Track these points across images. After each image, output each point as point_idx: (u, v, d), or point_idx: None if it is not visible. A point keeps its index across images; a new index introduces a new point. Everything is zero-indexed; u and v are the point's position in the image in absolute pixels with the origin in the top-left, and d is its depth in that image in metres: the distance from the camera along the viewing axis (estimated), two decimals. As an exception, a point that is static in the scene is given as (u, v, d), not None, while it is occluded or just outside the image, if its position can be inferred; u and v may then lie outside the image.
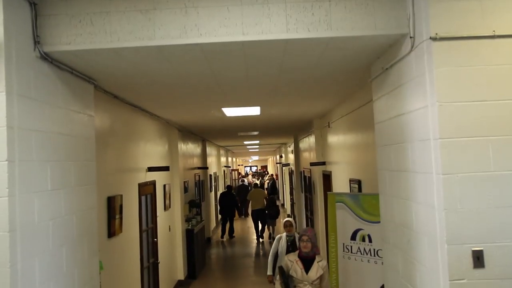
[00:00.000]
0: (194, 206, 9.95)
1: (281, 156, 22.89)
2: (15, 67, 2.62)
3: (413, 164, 2.90)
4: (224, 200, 14.42)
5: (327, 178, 7.68)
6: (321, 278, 4.26)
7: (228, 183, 22.05)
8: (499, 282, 2.45)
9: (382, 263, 4.01)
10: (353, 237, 4.32)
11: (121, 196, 5.04)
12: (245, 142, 17.33)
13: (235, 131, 10.96)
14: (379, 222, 3.99)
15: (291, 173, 17.23)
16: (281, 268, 4.50)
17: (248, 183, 22.12)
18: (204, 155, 13.28)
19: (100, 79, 3.87)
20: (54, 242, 2.99)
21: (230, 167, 26.47)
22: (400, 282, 3.28)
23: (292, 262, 4.35)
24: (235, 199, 14.90)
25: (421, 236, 2.81)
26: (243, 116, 7.36)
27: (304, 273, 4.25)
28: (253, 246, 13.15)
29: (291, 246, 5.80)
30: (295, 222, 11.46)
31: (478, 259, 2.46)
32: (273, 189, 15.97)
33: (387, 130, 3.45)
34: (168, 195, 7.75)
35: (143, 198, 6.17)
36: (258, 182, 21.33)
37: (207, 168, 12.79)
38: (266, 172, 39.56)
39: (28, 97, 2.73)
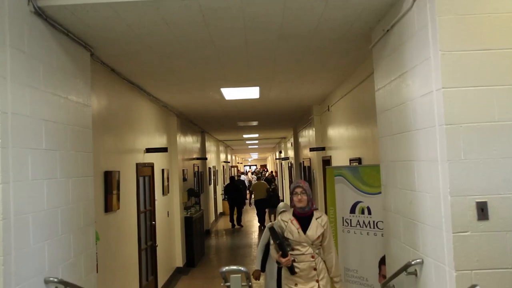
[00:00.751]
0: (193, 195, 9.89)
1: (280, 152, 22.92)
2: (8, 19, 2.55)
3: (414, 122, 2.84)
4: (230, 191, 15.48)
5: (327, 163, 7.62)
6: (322, 237, 3.65)
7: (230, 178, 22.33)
8: (503, 235, 2.39)
9: (382, 234, 3.96)
10: (353, 210, 4.26)
11: (119, 172, 4.97)
12: (245, 136, 17.28)
13: (235, 121, 10.91)
14: (379, 193, 3.94)
15: (290, 167, 17.20)
16: (272, 229, 3.66)
17: (248, 180, 23.84)
18: (203, 147, 13.23)
19: (97, 46, 3.81)
20: (49, 202, 2.93)
21: (229, 162, 26.52)
22: (401, 247, 3.22)
23: (286, 222, 3.69)
24: (240, 189, 15.73)
25: (423, 194, 2.76)
26: (242, 100, 7.31)
27: (302, 233, 3.61)
28: (253, 237, 13.08)
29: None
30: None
31: (482, 211, 2.40)
32: (269, 182, 16.80)
33: (388, 94, 3.40)
34: (166, 180, 7.69)
35: (141, 179, 6.11)
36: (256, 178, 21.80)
37: (206, 158, 12.73)
38: (265, 170, 39.67)
39: (21, 51, 2.67)
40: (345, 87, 6.09)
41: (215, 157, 17.91)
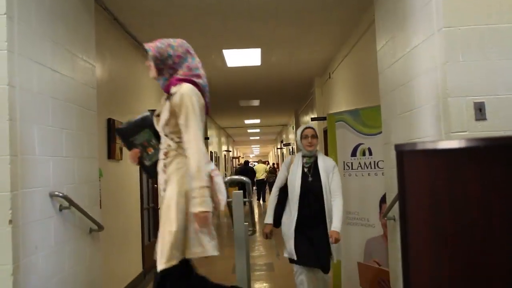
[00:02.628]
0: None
1: (281, 141, 23.10)
2: None
3: (413, 30, 2.87)
4: (243, 172, 15.80)
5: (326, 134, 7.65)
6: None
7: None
8: (501, 134, 2.43)
9: (383, 173, 4.00)
10: (354, 153, 4.30)
11: (121, 123, 5.01)
12: (246, 122, 17.34)
13: (237, 99, 10.96)
14: (379, 133, 3.99)
15: (291, 154, 17.30)
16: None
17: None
18: (205, 130, 13.27)
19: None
20: (53, 120, 2.97)
21: (230, 151, 26.70)
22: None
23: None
24: (253, 170, 17.16)
25: (423, 108, 2.79)
26: (244, 67, 7.36)
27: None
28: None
29: (311, 172, 3.47)
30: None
31: (480, 111, 2.44)
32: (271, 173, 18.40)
33: (390, 16, 3.40)
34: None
35: (143, 139, 6.14)
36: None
37: (208, 138, 12.77)
38: (267, 163, 39.89)
39: None
40: (346, 49, 6.12)
41: (217, 145, 17.96)
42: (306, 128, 3.55)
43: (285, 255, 3.52)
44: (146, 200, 6.29)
